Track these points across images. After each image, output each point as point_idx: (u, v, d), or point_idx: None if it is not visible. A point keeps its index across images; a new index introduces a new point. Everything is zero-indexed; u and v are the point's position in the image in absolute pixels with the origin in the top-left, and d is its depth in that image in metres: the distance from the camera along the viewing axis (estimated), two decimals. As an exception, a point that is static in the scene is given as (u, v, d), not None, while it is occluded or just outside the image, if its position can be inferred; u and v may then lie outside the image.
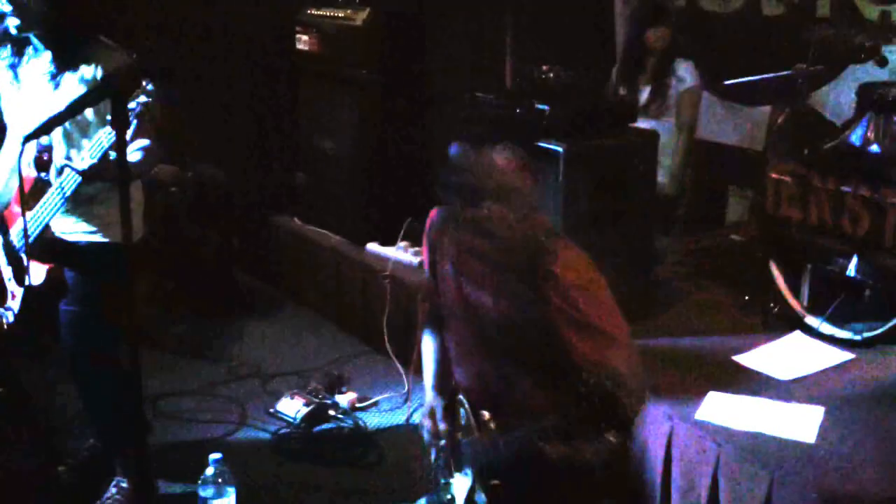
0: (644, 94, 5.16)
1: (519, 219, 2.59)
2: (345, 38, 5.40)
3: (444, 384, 3.00)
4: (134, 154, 3.34)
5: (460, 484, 2.94)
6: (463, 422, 2.86)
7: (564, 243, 2.67)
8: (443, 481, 3.04)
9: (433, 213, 2.96)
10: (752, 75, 4.58)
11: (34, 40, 3.39)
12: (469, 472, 2.88)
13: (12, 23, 3.30)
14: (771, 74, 4.46)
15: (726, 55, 5.50)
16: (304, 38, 5.67)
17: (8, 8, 3.27)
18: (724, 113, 5.59)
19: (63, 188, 3.29)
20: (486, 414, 2.76)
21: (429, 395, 3.03)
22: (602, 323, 2.54)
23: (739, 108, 5.56)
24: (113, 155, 3.23)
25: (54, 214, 3.36)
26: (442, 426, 2.93)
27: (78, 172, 3.24)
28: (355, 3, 5.46)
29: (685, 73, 5.14)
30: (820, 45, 4.49)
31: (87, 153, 3.21)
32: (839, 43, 4.58)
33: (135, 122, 3.09)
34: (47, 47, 3.38)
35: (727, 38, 5.59)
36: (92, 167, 3.21)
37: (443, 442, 2.97)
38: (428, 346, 3.07)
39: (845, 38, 4.54)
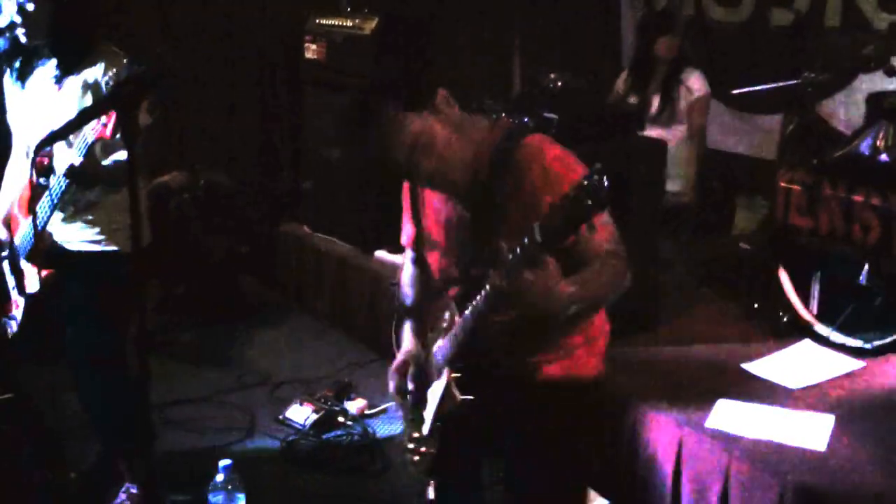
0: (653, 103, 5.16)
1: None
2: (353, 47, 5.41)
3: (422, 325, 2.91)
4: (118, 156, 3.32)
5: (432, 395, 2.83)
6: (445, 323, 2.74)
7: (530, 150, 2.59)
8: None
9: None
10: (760, 84, 4.58)
11: (41, 48, 3.40)
12: (443, 373, 2.76)
13: (20, 31, 3.31)
14: (779, 83, 4.46)
15: (735, 64, 5.50)
16: (313, 46, 5.68)
17: (18, 18, 3.28)
18: (733, 122, 5.60)
19: (52, 192, 3.29)
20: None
21: (406, 340, 2.95)
22: None
23: (748, 116, 5.56)
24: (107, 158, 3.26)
25: (47, 220, 3.35)
26: (410, 385, 2.86)
27: (63, 174, 3.24)
28: (364, 12, 5.47)
29: (694, 82, 5.14)
30: (828, 54, 4.49)
31: (73, 151, 3.22)
32: (847, 52, 4.58)
33: (113, 116, 3.04)
34: (53, 54, 3.39)
35: (735, 46, 5.59)
36: (75, 167, 3.22)
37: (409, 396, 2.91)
38: (409, 286, 3.01)
39: (854, 47, 4.54)
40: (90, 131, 3.10)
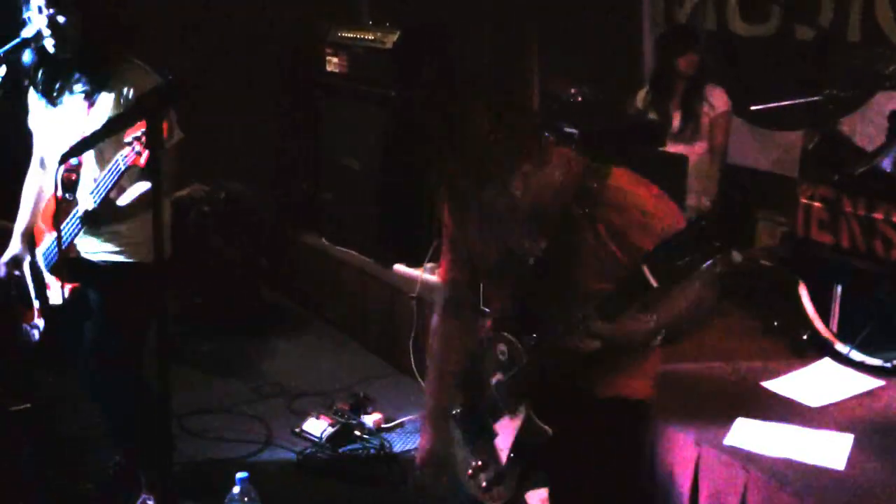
0: (675, 120, 5.15)
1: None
2: (374, 59, 5.43)
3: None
4: (133, 191, 3.36)
5: (504, 431, 2.74)
6: (503, 356, 2.66)
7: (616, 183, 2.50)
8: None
9: None
10: (781, 100, 4.56)
11: (69, 60, 3.41)
12: (517, 408, 2.67)
13: (49, 43, 3.33)
14: (799, 100, 4.44)
15: (756, 79, 5.48)
16: (334, 59, 5.71)
17: (47, 30, 3.30)
18: (753, 137, 5.58)
19: (71, 223, 3.33)
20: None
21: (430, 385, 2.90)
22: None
23: (768, 132, 5.54)
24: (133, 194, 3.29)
25: (73, 236, 3.37)
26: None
27: (79, 217, 3.28)
28: (385, 25, 5.50)
29: (716, 97, 5.13)
30: (849, 70, 4.48)
31: (90, 196, 3.25)
32: (868, 69, 4.56)
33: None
34: (83, 68, 3.40)
35: (757, 61, 5.58)
36: (89, 212, 3.25)
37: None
38: (446, 337, 2.90)
39: (873, 64, 4.53)
40: (122, 158, 3.11)
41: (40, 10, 3.28)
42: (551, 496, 2.84)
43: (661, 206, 2.47)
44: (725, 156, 5.24)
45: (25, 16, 3.33)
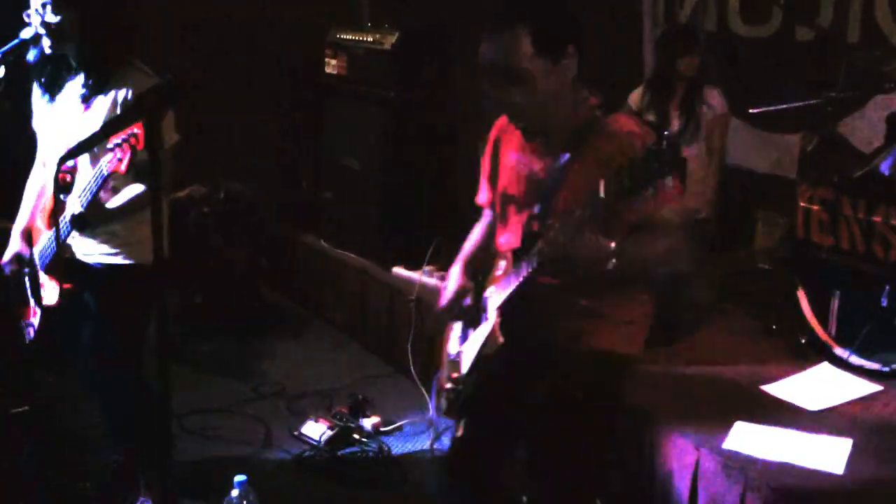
0: (674, 121, 5.14)
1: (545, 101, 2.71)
2: (374, 61, 5.43)
3: (473, 269, 3.07)
4: (124, 194, 3.36)
5: (476, 336, 2.97)
6: (499, 272, 2.90)
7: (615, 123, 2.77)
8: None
9: (499, 120, 3.05)
10: (781, 102, 4.56)
11: (70, 60, 3.41)
12: (489, 318, 2.90)
13: (46, 43, 3.33)
14: (799, 102, 4.44)
15: (757, 80, 5.48)
16: (333, 61, 5.71)
17: (41, 29, 3.30)
18: (753, 139, 5.57)
19: (61, 228, 3.33)
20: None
21: (454, 274, 3.07)
22: None
23: (767, 134, 5.54)
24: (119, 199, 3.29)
25: (67, 235, 3.37)
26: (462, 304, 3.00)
27: (69, 220, 3.27)
28: (384, 27, 5.50)
29: (714, 99, 5.13)
30: (849, 71, 4.47)
31: (78, 199, 3.24)
32: (868, 71, 4.56)
33: (129, 152, 3.04)
34: (81, 68, 3.40)
35: (758, 62, 5.57)
36: (76, 216, 3.25)
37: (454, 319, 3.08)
38: (474, 234, 3.18)
39: (873, 65, 4.52)
40: (105, 164, 3.10)
41: (38, 11, 3.28)
42: (532, 449, 3.00)
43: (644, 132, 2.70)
44: (724, 157, 5.24)
45: (25, 17, 3.34)
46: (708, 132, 5.07)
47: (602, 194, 2.32)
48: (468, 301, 3.03)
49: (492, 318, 2.86)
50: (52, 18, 3.27)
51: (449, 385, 3.07)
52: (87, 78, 3.38)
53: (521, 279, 2.69)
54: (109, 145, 3.06)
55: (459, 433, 3.10)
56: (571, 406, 2.82)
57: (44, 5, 3.27)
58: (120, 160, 3.05)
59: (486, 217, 3.19)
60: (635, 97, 5.32)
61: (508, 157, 2.95)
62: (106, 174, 3.12)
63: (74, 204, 3.25)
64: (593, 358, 2.82)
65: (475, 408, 3.04)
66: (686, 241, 2.69)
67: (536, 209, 2.77)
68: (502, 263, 2.87)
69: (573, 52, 2.71)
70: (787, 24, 5.38)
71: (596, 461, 3.00)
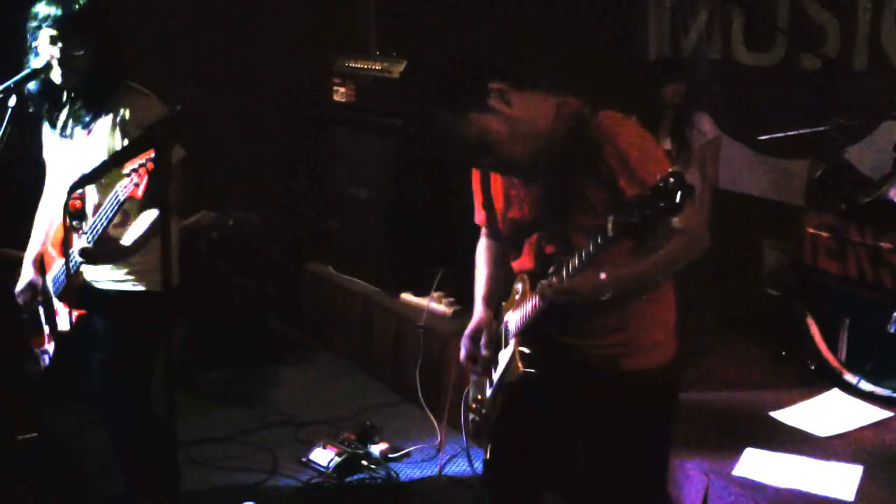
0: (665, 148, 5.15)
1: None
2: (382, 89, 5.46)
3: (492, 295, 3.02)
4: (137, 227, 3.36)
5: (501, 360, 2.93)
6: (517, 295, 2.86)
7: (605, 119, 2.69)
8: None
9: None
10: (787, 129, 4.57)
11: (74, 89, 3.41)
12: (511, 342, 2.87)
13: (57, 74, 3.34)
14: (806, 129, 4.45)
15: (762, 108, 5.49)
16: (341, 89, 5.74)
17: (56, 62, 3.30)
18: (760, 166, 5.57)
19: (70, 260, 3.33)
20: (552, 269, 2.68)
21: (477, 307, 3.03)
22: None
23: (774, 161, 5.54)
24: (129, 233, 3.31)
25: (75, 269, 3.38)
26: (484, 352, 2.94)
27: (78, 253, 3.28)
28: (392, 55, 5.53)
29: (704, 124, 5.14)
30: (856, 99, 4.48)
31: (86, 236, 3.25)
32: (875, 98, 4.57)
33: (145, 177, 3.04)
34: (80, 94, 3.41)
35: (763, 90, 5.59)
36: (85, 251, 3.26)
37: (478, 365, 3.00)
38: (482, 255, 3.11)
39: (880, 92, 4.53)
40: (122, 189, 3.11)
41: (53, 42, 3.30)
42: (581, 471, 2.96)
43: (645, 148, 2.68)
44: (716, 181, 5.24)
45: (33, 46, 3.35)
46: (700, 157, 5.08)
47: (610, 232, 2.31)
48: (485, 346, 2.97)
49: (511, 344, 2.84)
50: (75, 52, 3.29)
51: (473, 406, 3.06)
52: (86, 103, 3.40)
53: (540, 303, 2.66)
54: (125, 171, 3.06)
55: (487, 456, 3.07)
56: (627, 432, 2.78)
57: (61, 39, 3.28)
58: (137, 185, 3.05)
59: (485, 239, 3.13)
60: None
61: (500, 182, 2.89)
62: (122, 199, 3.13)
63: (81, 240, 3.26)
64: (636, 379, 2.77)
65: (502, 432, 3.00)
66: (693, 244, 2.65)
67: (546, 229, 2.74)
68: (518, 286, 2.85)
69: (499, 86, 2.64)
70: (791, 52, 5.40)
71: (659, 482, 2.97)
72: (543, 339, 2.79)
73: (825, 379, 4.10)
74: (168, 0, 5.85)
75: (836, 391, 4.01)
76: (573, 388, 2.81)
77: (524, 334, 2.80)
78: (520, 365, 2.78)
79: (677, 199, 2.20)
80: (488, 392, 2.98)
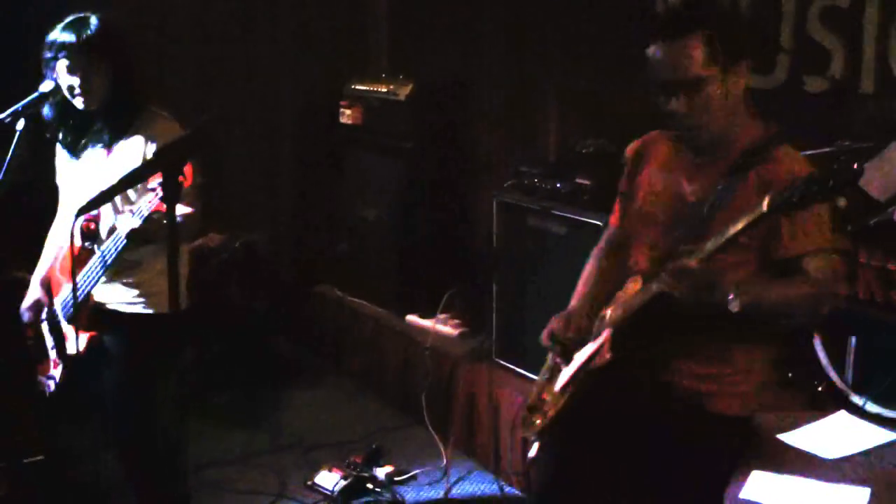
0: None
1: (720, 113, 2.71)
2: (389, 111, 5.49)
3: (590, 307, 3.00)
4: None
5: (580, 355, 2.90)
6: (625, 294, 2.84)
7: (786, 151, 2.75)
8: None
9: (646, 136, 3.05)
10: (797, 149, 4.56)
11: (94, 113, 3.44)
12: (602, 333, 2.83)
13: (79, 101, 3.36)
14: (813, 151, 4.44)
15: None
16: (348, 112, 5.77)
17: (78, 88, 3.33)
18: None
19: (105, 255, 3.31)
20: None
21: (573, 305, 3.04)
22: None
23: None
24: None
25: (96, 283, 3.38)
26: (570, 333, 2.93)
27: (124, 235, 3.25)
28: (399, 77, 5.56)
29: None
30: (863, 121, 4.48)
31: (132, 217, 3.23)
32: (882, 119, 4.57)
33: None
34: (101, 118, 3.44)
35: (769, 113, 5.59)
36: (135, 230, 3.23)
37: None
38: (592, 270, 3.13)
39: (888, 115, 4.53)
40: (146, 203, 3.12)
41: (71, 72, 3.32)
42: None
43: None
44: None
45: (52, 77, 3.37)
46: None
47: (765, 208, 2.32)
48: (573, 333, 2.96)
49: (604, 333, 2.79)
50: (94, 79, 3.32)
51: (533, 403, 3.00)
52: (109, 126, 3.42)
53: (646, 299, 2.64)
54: (151, 185, 3.07)
55: (532, 454, 3.01)
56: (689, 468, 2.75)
57: (80, 68, 3.31)
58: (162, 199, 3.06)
59: (606, 243, 3.13)
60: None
61: (651, 174, 2.90)
62: (146, 214, 3.13)
63: (131, 221, 3.20)
64: (715, 422, 2.76)
65: (567, 425, 2.92)
66: (834, 285, 2.66)
67: (680, 232, 2.71)
68: (631, 284, 2.80)
69: (746, 68, 2.72)
70: (794, 74, 5.40)
71: None
72: (632, 348, 2.73)
73: (832, 401, 4.08)
74: (176, 22, 5.89)
75: (843, 413, 3.98)
76: (649, 410, 2.76)
77: (618, 324, 2.74)
78: (607, 353, 2.72)
79: (831, 185, 2.23)
80: (558, 385, 2.90)
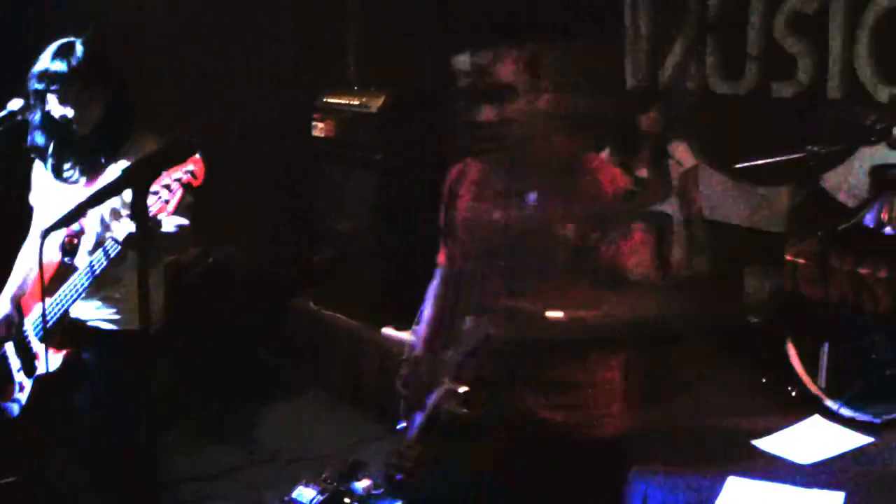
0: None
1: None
2: (361, 123, 5.49)
3: (437, 340, 2.94)
4: (169, 228, 3.34)
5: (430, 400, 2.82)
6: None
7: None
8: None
9: (453, 169, 2.95)
10: (763, 156, 4.60)
11: (86, 137, 3.40)
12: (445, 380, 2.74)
13: (72, 129, 3.34)
14: (783, 157, 4.48)
15: (738, 136, 5.53)
16: (321, 125, 5.77)
17: (70, 118, 3.30)
18: (738, 194, 5.61)
19: (93, 265, 3.28)
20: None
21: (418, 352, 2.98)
22: None
23: (752, 189, 5.58)
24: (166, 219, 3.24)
25: (79, 296, 3.34)
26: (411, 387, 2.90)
27: (118, 242, 3.19)
28: (370, 90, 5.56)
29: (682, 153, 5.16)
30: (832, 126, 4.52)
31: (128, 222, 3.19)
32: (850, 125, 4.61)
33: (180, 191, 3.05)
34: (94, 142, 3.40)
35: (739, 119, 5.63)
36: (131, 234, 3.18)
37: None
38: (433, 305, 3.05)
39: (856, 119, 4.57)
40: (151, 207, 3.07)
41: (63, 102, 3.29)
42: None
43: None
44: (701, 212, 5.25)
45: (45, 109, 3.34)
46: (681, 186, 5.10)
47: (570, 235, 2.31)
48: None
49: (446, 382, 2.72)
50: (88, 107, 3.31)
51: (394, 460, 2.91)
52: (100, 148, 3.39)
53: (479, 339, 2.60)
54: (153, 189, 3.01)
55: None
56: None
57: (71, 98, 3.28)
58: (167, 202, 3.02)
59: (440, 273, 3.05)
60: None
61: (464, 207, 2.84)
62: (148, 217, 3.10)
63: (126, 225, 3.16)
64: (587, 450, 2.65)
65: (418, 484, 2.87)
66: (669, 303, 2.60)
67: (500, 262, 2.65)
68: (468, 320, 2.72)
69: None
70: (763, 80, 5.44)
71: None
72: (489, 385, 2.64)
73: (806, 406, 4.11)
74: (149, 37, 5.87)
75: (816, 417, 4.02)
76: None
77: (460, 370, 2.66)
78: (455, 403, 2.65)
79: (638, 206, 2.21)
80: (410, 432, 2.85)
